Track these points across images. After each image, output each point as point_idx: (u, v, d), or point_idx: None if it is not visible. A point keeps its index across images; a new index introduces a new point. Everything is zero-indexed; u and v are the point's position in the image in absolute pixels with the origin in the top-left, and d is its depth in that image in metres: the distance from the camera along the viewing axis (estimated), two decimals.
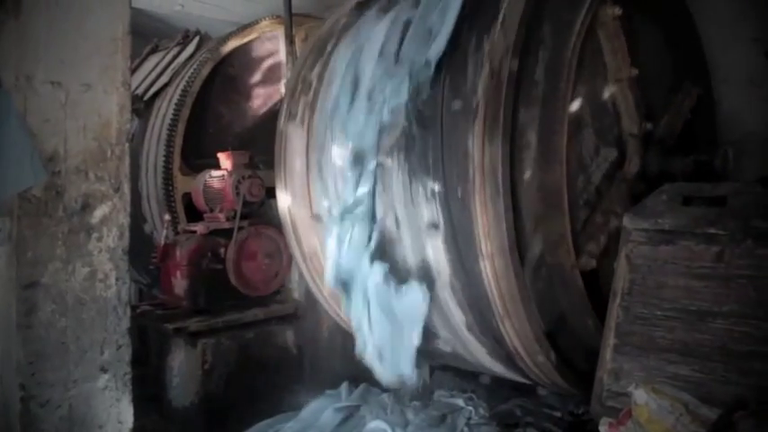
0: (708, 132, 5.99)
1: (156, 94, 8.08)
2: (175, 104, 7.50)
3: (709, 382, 4.00)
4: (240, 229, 6.62)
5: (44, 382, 4.10)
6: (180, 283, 6.49)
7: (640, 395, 3.89)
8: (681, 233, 4.35)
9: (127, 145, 4.41)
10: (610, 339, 4.44)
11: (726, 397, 3.85)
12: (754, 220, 4.12)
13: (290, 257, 6.72)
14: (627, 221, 4.57)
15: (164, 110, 7.74)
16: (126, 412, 4.44)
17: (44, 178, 3.99)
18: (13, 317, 4.03)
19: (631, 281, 4.46)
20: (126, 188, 4.40)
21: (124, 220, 4.39)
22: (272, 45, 8.25)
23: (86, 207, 4.22)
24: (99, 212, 4.27)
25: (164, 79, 8.18)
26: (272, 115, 6.90)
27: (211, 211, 7.05)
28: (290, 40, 7.26)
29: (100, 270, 4.29)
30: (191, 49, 8.41)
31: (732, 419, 3.61)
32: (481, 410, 5.08)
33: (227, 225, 6.73)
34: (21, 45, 3.99)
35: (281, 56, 7.86)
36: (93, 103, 4.24)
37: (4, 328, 4.21)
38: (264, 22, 8.16)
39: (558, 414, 5.60)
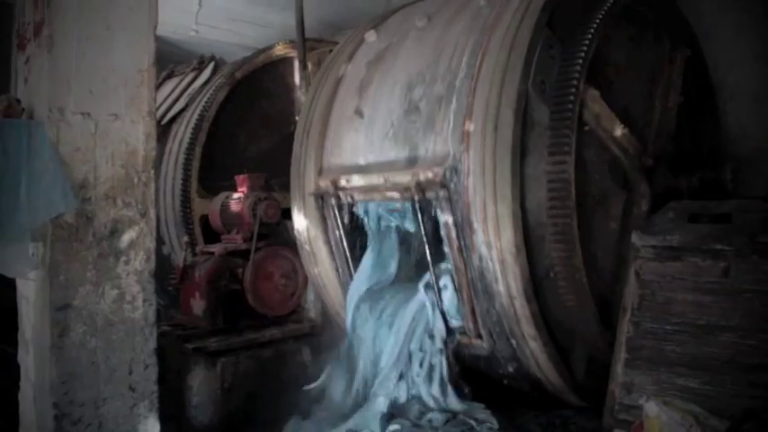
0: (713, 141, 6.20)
1: (173, 119, 8.25)
2: (192, 129, 7.69)
3: (718, 394, 4.13)
4: (257, 250, 6.76)
5: (76, 401, 4.28)
6: (199, 304, 6.61)
7: (651, 408, 4.03)
8: (688, 249, 4.50)
9: (152, 171, 4.61)
10: (621, 354, 4.58)
11: (735, 409, 3.98)
12: (760, 236, 4.27)
13: (306, 278, 6.86)
14: (635, 239, 4.72)
15: (181, 134, 7.93)
16: (153, 429, 4.63)
17: (75, 205, 4.20)
18: (46, 338, 4.22)
19: (641, 296, 4.61)
20: (152, 213, 4.61)
21: (150, 243, 4.60)
22: (285, 69, 8.41)
23: (115, 232, 4.43)
24: (127, 237, 4.47)
25: (180, 104, 8.35)
26: (287, 138, 7.05)
27: (228, 232, 7.19)
28: (303, 65, 7.41)
29: (128, 292, 4.50)
30: (206, 74, 8.60)
31: (741, 430, 3.75)
32: (500, 427, 5.13)
33: (244, 246, 6.86)
34: (53, 78, 4.21)
35: (295, 80, 8.01)
36: (120, 133, 4.46)
37: (38, 350, 4.40)
38: (278, 47, 8.33)
39: (574, 429, 5.64)
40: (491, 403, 5.32)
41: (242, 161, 7.87)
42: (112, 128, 4.42)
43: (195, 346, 6.23)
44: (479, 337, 5.09)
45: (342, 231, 5.87)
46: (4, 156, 3.95)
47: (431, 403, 5.25)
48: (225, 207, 7.24)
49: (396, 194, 5.34)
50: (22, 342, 4.71)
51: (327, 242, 6.08)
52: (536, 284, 4.70)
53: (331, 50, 7.30)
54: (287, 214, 6.79)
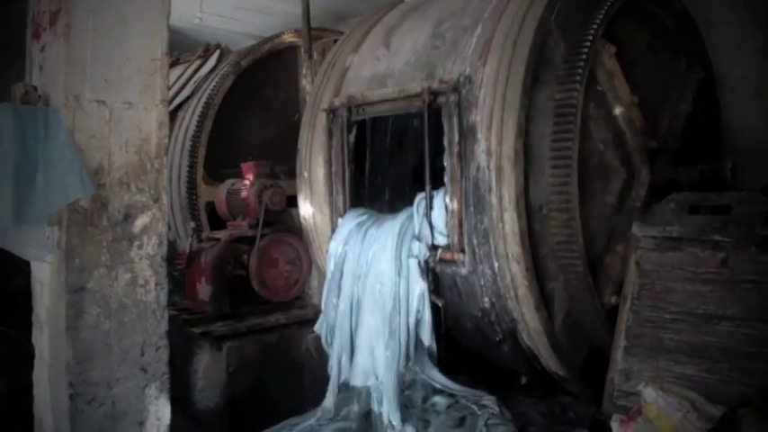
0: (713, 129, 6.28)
1: (179, 107, 8.34)
2: (199, 116, 7.81)
3: (714, 381, 4.27)
4: (262, 236, 6.87)
5: (89, 381, 4.41)
6: (205, 289, 6.74)
7: (649, 393, 4.13)
8: (687, 240, 4.62)
9: (165, 158, 4.73)
10: (620, 341, 4.70)
11: (730, 396, 4.11)
12: (758, 228, 4.38)
13: (310, 264, 6.98)
14: (636, 229, 4.83)
15: (187, 121, 8.04)
16: (164, 409, 4.77)
17: (93, 190, 4.31)
18: (62, 320, 4.34)
19: (641, 286, 4.72)
20: (164, 199, 4.73)
21: (163, 229, 4.72)
22: (291, 58, 8.49)
23: (128, 217, 4.55)
24: (140, 222, 4.59)
25: (186, 92, 8.45)
26: (291, 126, 7.14)
27: (234, 219, 7.29)
28: (309, 54, 7.50)
29: (140, 276, 4.62)
30: (212, 62, 8.71)
31: (736, 416, 3.85)
32: (500, 412, 5.17)
33: (249, 233, 6.96)
34: (69, 66, 4.32)
35: (301, 68, 8.09)
36: (134, 120, 4.57)
37: (54, 331, 4.53)
38: (284, 36, 8.42)
39: (573, 416, 5.68)
40: (488, 389, 5.41)
41: (247, 149, 7.94)
42: (126, 115, 4.53)
43: (201, 330, 6.37)
44: (462, 251, 5.10)
45: (346, 149, 5.97)
46: (21, 142, 4.05)
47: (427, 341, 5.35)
48: (231, 194, 7.34)
49: (407, 103, 5.48)
50: (37, 323, 4.84)
51: (328, 162, 6.18)
52: (528, 216, 4.75)
53: (336, 40, 7.40)
54: (292, 202, 6.90)
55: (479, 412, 5.15)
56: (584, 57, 4.72)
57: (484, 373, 5.78)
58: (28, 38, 4.84)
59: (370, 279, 5.46)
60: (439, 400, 5.32)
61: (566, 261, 4.78)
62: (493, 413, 5.15)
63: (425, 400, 5.36)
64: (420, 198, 5.39)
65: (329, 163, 6.14)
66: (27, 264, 4.85)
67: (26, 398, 5.02)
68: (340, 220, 5.92)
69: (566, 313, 4.98)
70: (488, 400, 5.27)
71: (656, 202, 5.04)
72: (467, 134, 4.98)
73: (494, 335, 5.24)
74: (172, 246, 7.70)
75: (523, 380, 6.06)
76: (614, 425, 4.28)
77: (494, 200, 4.77)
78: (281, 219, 7.25)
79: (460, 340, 5.58)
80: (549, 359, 5.04)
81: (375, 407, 5.31)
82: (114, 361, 4.52)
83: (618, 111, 5.14)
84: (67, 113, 4.28)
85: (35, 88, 4.38)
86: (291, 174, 6.80)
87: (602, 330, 4.94)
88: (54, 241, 4.39)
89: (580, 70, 4.69)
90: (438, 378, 5.43)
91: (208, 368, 6.35)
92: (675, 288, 4.60)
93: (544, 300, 4.86)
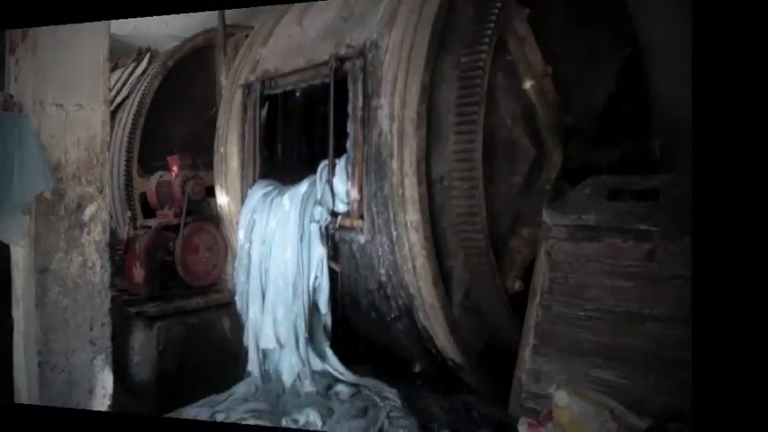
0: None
1: (119, 107, 8.93)
2: (134, 115, 8.49)
3: (638, 389, 3.92)
4: (186, 224, 7.34)
5: (52, 351, 5.03)
6: (139, 273, 7.25)
7: (562, 397, 3.92)
8: (606, 229, 4.28)
9: (108, 153, 5.32)
10: (529, 339, 4.44)
11: (657, 406, 3.79)
12: (692, 215, 3.47)
13: (227, 251, 7.50)
14: (547, 217, 4.57)
15: (125, 120, 8.67)
16: (107, 379, 5.36)
17: (53, 184, 4.92)
18: (32, 297, 4.97)
19: (552, 279, 4.43)
20: (107, 190, 5.34)
21: (106, 217, 5.31)
22: (209, 56, 8.82)
23: (80, 206, 5.14)
24: (89, 211, 5.18)
25: (124, 93, 9.06)
26: (209, 121, 7.60)
27: (162, 208, 7.74)
28: (224, 51, 7.99)
29: (89, 259, 5.21)
30: (144, 64, 9.25)
31: (666, 430, 3.65)
32: (402, 405, 5.22)
33: (175, 221, 7.43)
34: (36, 75, 4.95)
35: (219, 65, 8.46)
36: (84, 120, 5.15)
37: (26, 306, 5.13)
38: (201, 36, 8.95)
39: (477, 415, 5.37)
40: (389, 382, 5.57)
41: (173, 143, 8.44)
42: (78, 116, 5.09)
43: (137, 310, 6.88)
44: (361, 218, 5.04)
45: (258, 122, 6.36)
46: (2, 144, 4.65)
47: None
48: (159, 185, 7.83)
49: (315, 72, 5.62)
50: (15, 299, 5.38)
51: (241, 136, 6.58)
52: (430, 187, 4.59)
53: (247, 35, 7.77)
54: (211, 192, 7.43)
55: (381, 404, 5.24)
56: (493, 18, 4.58)
57: (379, 362, 5.93)
58: (6, 52, 5.34)
59: (276, 245, 5.72)
60: (342, 388, 5.53)
61: (467, 234, 4.57)
62: (395, 406, 5.22)
63: (329, 387, 5.56)
64: (323, 165, 5.51)
65: (243, 137, 6.52)
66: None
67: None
68: (249, 191, 6.26)
69: (465, 293, 4.78)
70: (390, 393, 5.40)
71: (570, 187, 4.83)
72: (371, 99, 4.92)
73: (389, 311, 5.09)
74: (114, 233, 8.07)
75: (417, 367, 6.06)
76: (522, 428, 4.08)
77: (395, 165, 4.63)
78: (201, 208, 7.69)
79: (354, 320, 5.70)
80: (445, 342, 4.85)
81: (271, 368, 5.76)
82: (71, 334, 5.11)
83: (529, 83, 4.92)
84: (35, 117, 4.88)
85: (12, 96, 4.96)
86: (210, 165, 7.30)
87: (505, 318, 4.74)
88: (25, 228, 4.95)
89: (489, 32, 4.53)
90: (338, 367, 5.64)
91: (142, 345, 6.82)
92: (592, 283, 4.26)
93: (443, 276, 4.66)
